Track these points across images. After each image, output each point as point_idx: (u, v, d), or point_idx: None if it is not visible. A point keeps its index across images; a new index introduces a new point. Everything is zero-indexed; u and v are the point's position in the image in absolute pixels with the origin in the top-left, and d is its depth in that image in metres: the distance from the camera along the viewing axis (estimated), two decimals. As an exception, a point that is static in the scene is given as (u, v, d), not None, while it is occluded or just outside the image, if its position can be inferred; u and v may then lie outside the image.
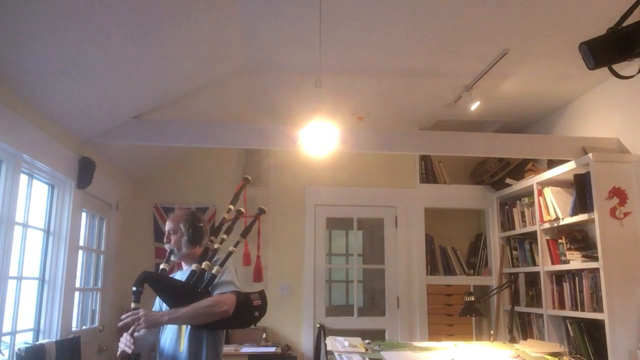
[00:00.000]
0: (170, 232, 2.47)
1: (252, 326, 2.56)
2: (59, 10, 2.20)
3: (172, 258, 2.47)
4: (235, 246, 2.47)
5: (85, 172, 3.43)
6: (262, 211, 2.57)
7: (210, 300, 2.29)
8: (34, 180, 3.10)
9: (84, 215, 3.72)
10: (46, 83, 2.70)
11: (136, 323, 2.17)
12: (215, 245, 2.50)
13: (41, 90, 2.73)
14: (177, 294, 2.31)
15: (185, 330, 2.35)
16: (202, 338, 2.36)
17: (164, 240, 2.49)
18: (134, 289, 2.23)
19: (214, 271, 2.36)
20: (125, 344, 2.16)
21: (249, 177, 2.73)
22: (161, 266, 2.45)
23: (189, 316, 2.25)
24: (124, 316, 2.20)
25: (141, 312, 2.20)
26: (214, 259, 2.43)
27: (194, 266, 2.40)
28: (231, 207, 2.59)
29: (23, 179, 2.91)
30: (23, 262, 2.95)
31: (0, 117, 2.47)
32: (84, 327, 3.77)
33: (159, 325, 2.33)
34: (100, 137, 3.44)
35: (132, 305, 2.23)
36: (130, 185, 4.75)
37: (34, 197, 3.10)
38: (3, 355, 2.75)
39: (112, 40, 2.59)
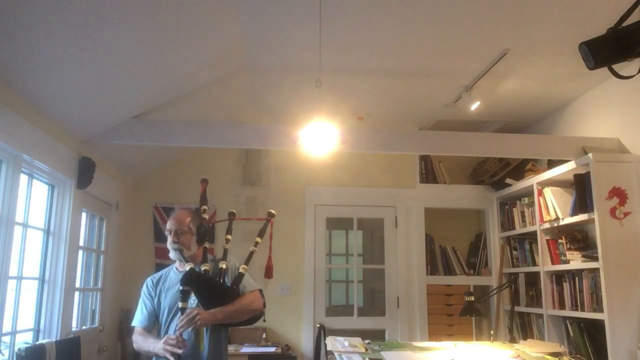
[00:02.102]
0: (179, 232, 2.46)
1: (263, 321, 2.70)
2: (59, 11, 2.20)
3: (182, 257, 2.46)
4: (255, 246, 2.59)
5: (85, 172, 3.43)
6: (271, 215, 2.72)
7: (249, 298, 2.42)
8: (34, 180, 3.10)
9: (84, 215, 3.72)
10: (46, 83, 2.70)
11: (188, 322, 2.22)
12: (226, 246, 2.54)
13: (41, 90, 2.73)
14: (216, 293, 2.36)
15: (206, 329, 2.37)
16: (221, 336, 2.44)
17: (172, 240, 2.46)
18: (182, 288, 2.27)
19: (240, 269, 2.46)
20: (175, 345, 2.20)
21: (207, 178, 2.79)
22: (188, 266, 2.39)
23: (235, 314, 2.37)
24: (180, 320, 2.24)
25: (196, 311, 2.24)
26: (220, 256, 2.50)
27: (205, 265, 2.42)
28: (205, 207, 2.66)
29: (23, 179, 2.91)
30: (23, 262, 2.95)
31: (0, 117, 2.47)
32: (84, 327, 3.76)
33: (212, 324, 2.35)
34: (100, 137, 3.44)
35: (180, 304, 2.28)
36: (130, 185, 4.75)
37: (34, 197, 3.10)
38: (3, 355, 2.75)
39: (112, 40, 2.59)
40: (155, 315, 2.48)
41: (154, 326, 2.48)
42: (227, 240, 2.56)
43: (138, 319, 2.49)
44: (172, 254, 2.49)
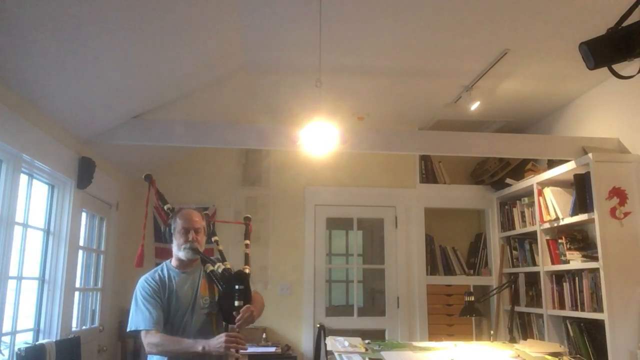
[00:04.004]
0: (197, 230, 2.46)
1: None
2: (60, 11, 2.20)
3: (206, 257, 2.48)
4: (246, 248, 2.67)
5: (85, 172, 3.43)
6: (247, 219, 2.84)
7: (259, 297, 2.52)
8: (34, 180, 3.10)
9: (84, 215, 3.72)
10: (46, 83, 2.70)
11: (247, 319, 2.29)
12: (220, 247, 2.55)
13: (41, 90, 2.73)
14: (243, 293, 2.40)
15: (224, 325, 2.42)
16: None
17: (190, 239, 2.42)
18: (237, 287, 2.30)
19: (247, 271, 2.47)
20: (240, 342, 2.25)
21: (150, 174, 2.84)
22: (221, 267, 2.41)
23: (260, 312, 2.48)
24: (239, 317, 2.29)
25: (251, 308, 2.31)
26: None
27: (211, 267, 2.44)
28: (169, 206, 2.71)
29: (23, 179, 2.91)
30: (23, 262, 2.95)
31: (0, 117, 2.47)
32: (84, 327, 3.76)
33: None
34: (100, 137, 3.44)
35: (236, 303, 2.29)
36: (130, 185, 4.74)
37: (34, 197, 3.10)
38: (3, 355, 2.75)
39: (112, 40, 2.59)
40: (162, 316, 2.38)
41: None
42: (217, 242, 2.60)
43: (147, 321, 2.32)
44: (185, 254, 2.42)
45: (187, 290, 2.43)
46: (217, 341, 2.24)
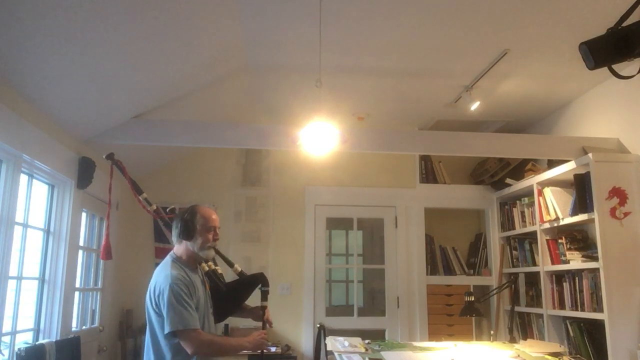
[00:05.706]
0: (218, 229, 2.48)
1: None
2: (60, 11, 2.20)
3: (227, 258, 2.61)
4: None
5: (85, 172, 3.43)
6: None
7: None
8: (34, 180, 3.10)
9: (84, 215, 3.72)
10: (46, 83, 2.70)
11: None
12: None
13: (41, 90, 2.73)
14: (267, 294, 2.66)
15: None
16: None
17: (216, 238, 2.43)
18: (263, 288, 2.52)
19: (220, 270, 2.65)
20: (266, 339, 2.40)
21: (112, 153, 2.91)
22: (238, 269, 2.60)
23: None
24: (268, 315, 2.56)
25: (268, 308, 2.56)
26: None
27: (206, 268, 2.55)
28: (145, 195, 2.76)
29: (23, 179, 2.91)
30: (23, 262, 2.95)
31: (0, 117, 2.47)
32: (84, 327, 3.76)
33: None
34: (100, 137, 3.44)
35: (262, 303, 2.51)
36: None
37: (34, 197, 3.10)
38: (3, 355, 2.75)
39: (112, 40, 2.59)
40: None
41: None
42: None
43: (196, 320, 2.24)
44: (208, 253, 2.39)
45: (202, 289, 2.44)
46: (258, 339, 2.32)
